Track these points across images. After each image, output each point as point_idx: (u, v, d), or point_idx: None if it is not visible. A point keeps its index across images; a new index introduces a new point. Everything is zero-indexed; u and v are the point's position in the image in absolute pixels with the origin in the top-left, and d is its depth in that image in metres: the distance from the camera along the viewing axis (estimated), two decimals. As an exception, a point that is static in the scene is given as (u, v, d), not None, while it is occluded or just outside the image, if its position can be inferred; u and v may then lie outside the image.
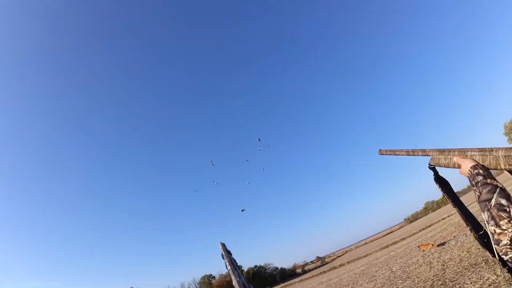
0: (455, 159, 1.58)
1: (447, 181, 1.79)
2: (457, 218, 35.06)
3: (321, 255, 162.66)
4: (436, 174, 1.77)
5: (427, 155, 1.79)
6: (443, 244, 21.43)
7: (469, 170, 1.43)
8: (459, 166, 1.55)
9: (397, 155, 1.97)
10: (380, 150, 2.08)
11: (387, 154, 2.02)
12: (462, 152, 1.59)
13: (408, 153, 1.88)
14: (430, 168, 1.74)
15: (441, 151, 1.72)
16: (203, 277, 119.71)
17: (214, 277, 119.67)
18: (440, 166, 1.70)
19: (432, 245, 22.25)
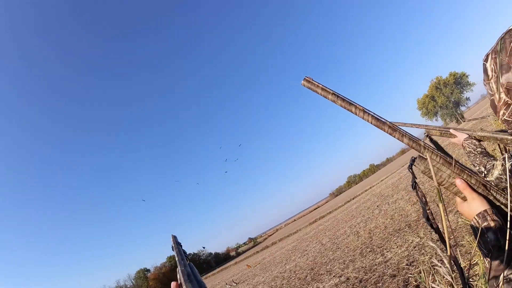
0: (459, 183, 1.03)
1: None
2: (379, 188, 37.91)
3: (252, 236, 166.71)
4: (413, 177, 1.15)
5: (383, 124, 1.08)
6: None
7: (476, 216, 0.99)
8: (463, 198, 1.05)
9: (324, 97, 1.07)
10: (308, 79, 1.07)
11: (312, 89, 1.04)
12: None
13: (350, 107, 1.08)
14: (411, 166, 1.12)
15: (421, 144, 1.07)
16: (138, 272, 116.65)
17: (149, 270, 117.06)
18: (424, 172, 1.06)
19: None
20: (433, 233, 7.80)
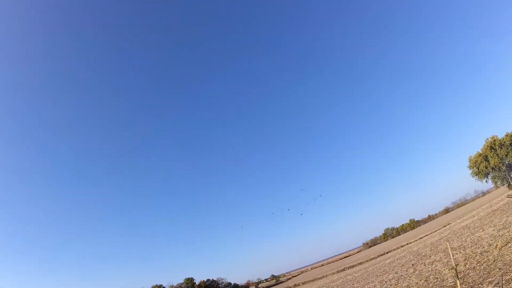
0: None
1: None
2: (416, 246, 36.42)
3: (276, 273, 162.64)
4: None
5: None
6: None
7: None
8: None
9: None
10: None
11: None
12: None
13: None
14: None
15: None
16: (154, 287, 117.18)
17: (164, 287, 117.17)
18: None
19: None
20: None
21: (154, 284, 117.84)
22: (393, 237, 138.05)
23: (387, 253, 49.81)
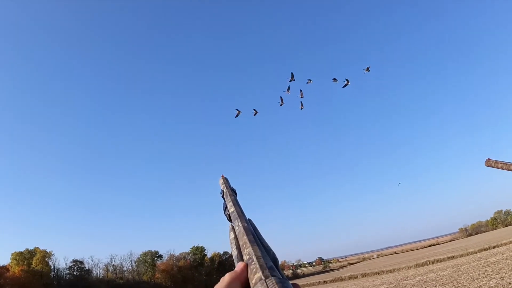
0: None
1: None
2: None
3: (325, 257, 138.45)
4: None
5: None
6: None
7: None
8: None
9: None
10: (489, 160, 1.57)
11: (497, 168, 1.57)
12: None
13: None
14: None
15: None
16: (145, 254, 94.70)
17: (160, 256, 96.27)
18: None
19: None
20: None
21: (148, 249, 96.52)
22: (506, 226, 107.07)
23: (494, 247, 38.43)
